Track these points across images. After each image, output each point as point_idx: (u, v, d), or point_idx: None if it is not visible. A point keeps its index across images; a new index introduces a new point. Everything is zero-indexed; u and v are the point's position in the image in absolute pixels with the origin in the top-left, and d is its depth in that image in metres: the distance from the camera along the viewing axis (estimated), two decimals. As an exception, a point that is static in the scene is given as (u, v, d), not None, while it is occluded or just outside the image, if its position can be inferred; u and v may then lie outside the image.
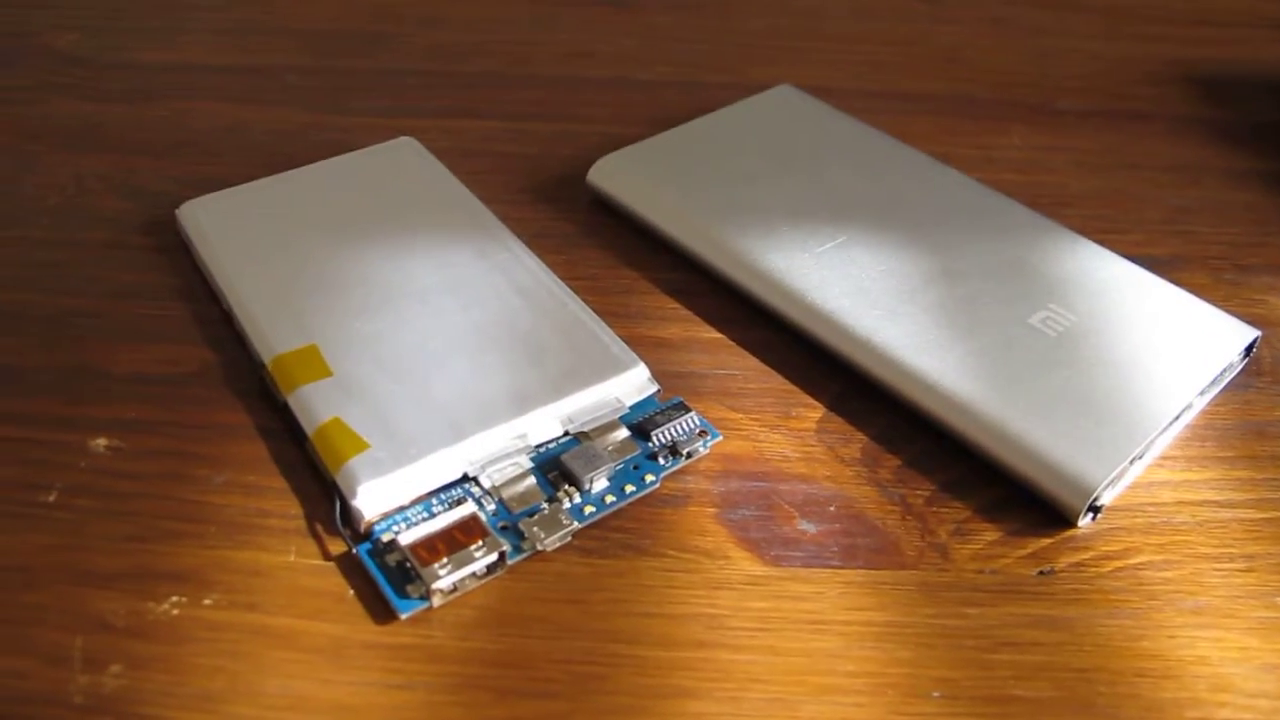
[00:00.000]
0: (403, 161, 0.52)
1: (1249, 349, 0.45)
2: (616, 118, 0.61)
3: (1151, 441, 0.40)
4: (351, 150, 0.53)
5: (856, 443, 0.41)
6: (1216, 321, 0.44)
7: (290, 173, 0.50)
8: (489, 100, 0.62)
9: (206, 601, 0.35)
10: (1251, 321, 0.46)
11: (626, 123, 0.60)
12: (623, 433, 0.40)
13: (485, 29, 0.69)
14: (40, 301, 0.46)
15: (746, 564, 0.37)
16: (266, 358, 0.41)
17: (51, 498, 0.38)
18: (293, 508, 0.38)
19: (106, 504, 0.37)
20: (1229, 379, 0.45)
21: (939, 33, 0.72)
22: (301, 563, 0.36)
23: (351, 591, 0.35)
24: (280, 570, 0.36)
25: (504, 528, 0.37)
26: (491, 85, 0.63)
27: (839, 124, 0.56)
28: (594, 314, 0.43)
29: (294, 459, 0.39)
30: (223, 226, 0.47)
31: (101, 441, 0.40)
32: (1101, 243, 0.48)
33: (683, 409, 0.41)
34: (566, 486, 0.38)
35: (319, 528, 0.37)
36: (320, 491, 0.38)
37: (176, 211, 0.48)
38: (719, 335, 0.46)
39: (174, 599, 0.35)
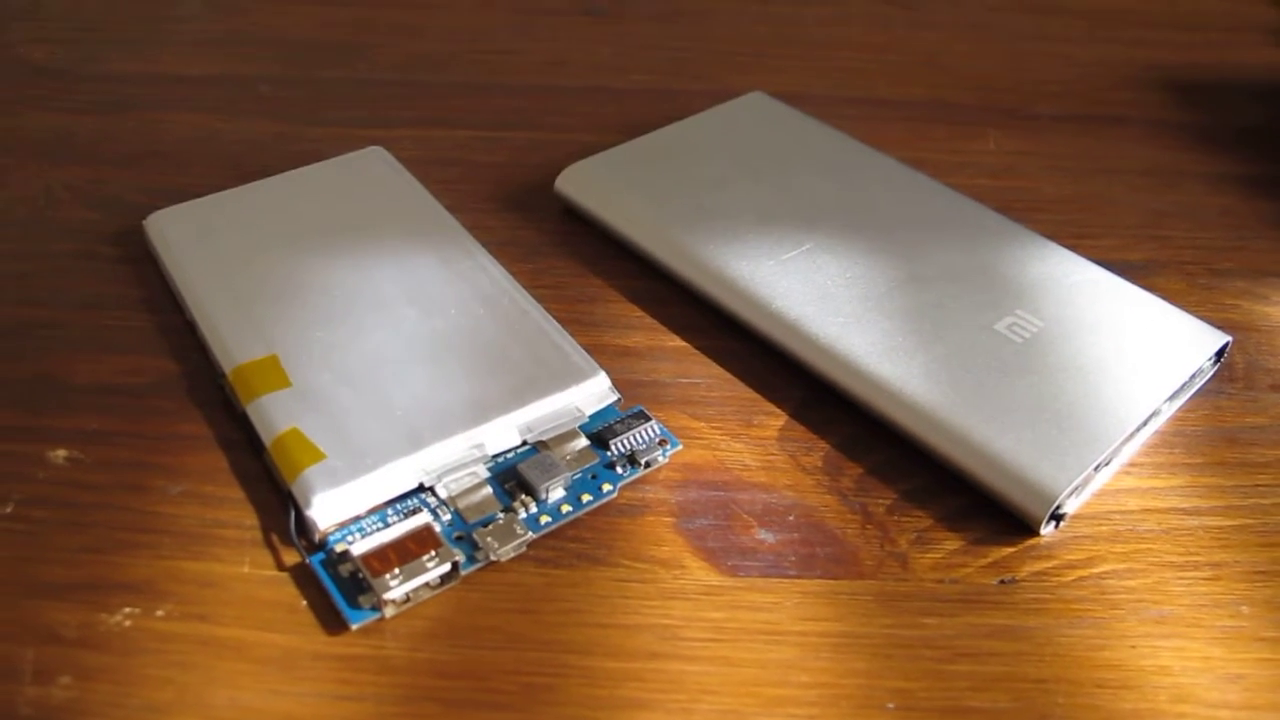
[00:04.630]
0: (371, 171, 0.51)
1: (1220, 354, 0.44)
2: (590, 126, 0.60)
3: (1117, 448, 0.39)
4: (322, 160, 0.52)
5: (819, 451, 0.41)
6: (1187, 326, 0.44)
7: (258, 183, 0.50)
8: (463, 110, 0.61)
9: (159, 612, 0.34)
10: (1225, 327, 0.45)
11: (600, 131, 0.60)
12: (581, 442, 0.39)
13: (462, 39, 0.69)
14: (4, 313, 0.45)
15: (703, 574, 0.36)
16: (227, 367, 0.41)
17: (8, 509, 0.37)
18: (249, 518, 0.37)
19: (63, 515, 0.37)
20: (1200, 384, 0.45)
21: (917, 39, 0.72)
22: (255, 573, 0.36)
23: (304, 602, 0.35)
24: (234, 581, 0.35)
25: (459, 538, 0.36)
26: (466, 95, 0.63)
27: (810, 130, 0.55)
28: (556, 322, 0.43)
29: (252, 470, 0.39)
30: (188, 237, 0.46)
31: (61, 453, 0.39)
32: (1073, 248, 0.48)
33: (643, 418, 0.40)
34: (523, 496, 0.37)
35: (274, 538, 0.37)
36: (277, 502, 0.38)
37: (143, 222, 0.48)
38: (683, 343, 0.46)
39: (127, 610, 0.34)
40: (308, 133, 0.58)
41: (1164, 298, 0.45)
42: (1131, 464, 0.41)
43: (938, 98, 0.65)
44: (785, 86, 0.65)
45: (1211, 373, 0.45)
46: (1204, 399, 0.44)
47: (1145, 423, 0.41)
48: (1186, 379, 0.42)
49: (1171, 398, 0.42)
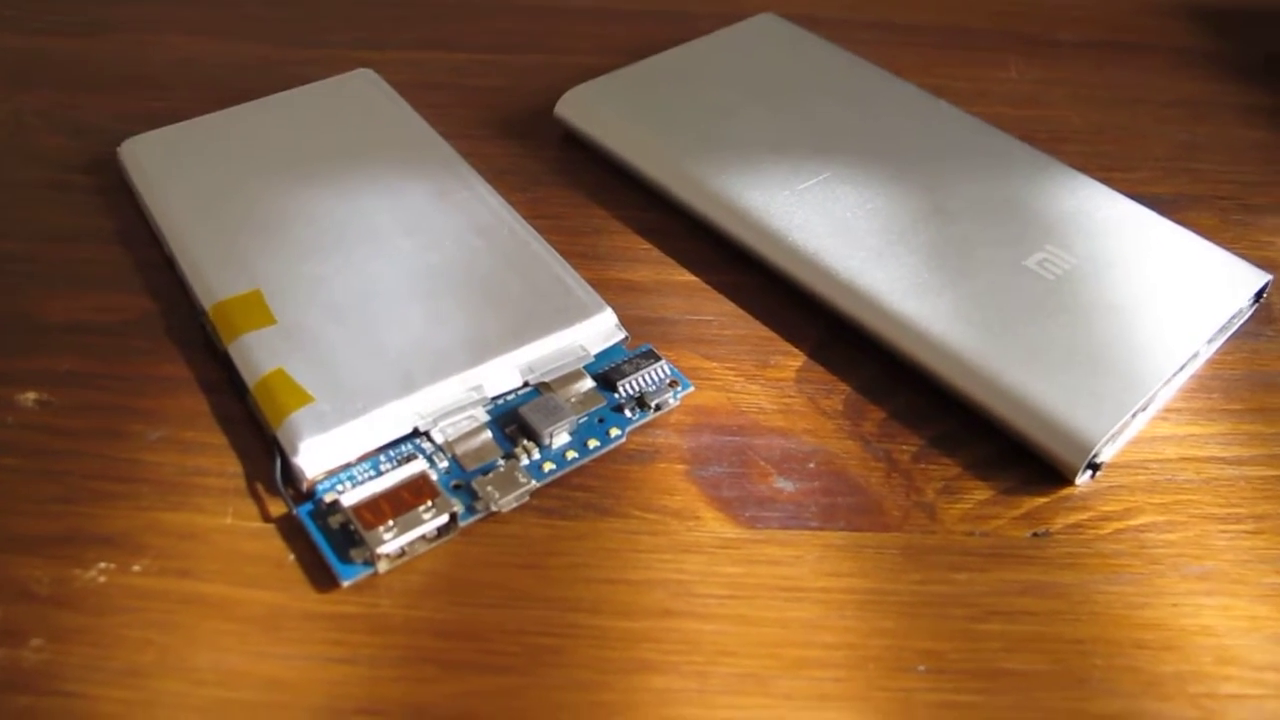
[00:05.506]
0: (360, 95, 0.49)
1: (1259, 294, 0.42)
2: (592, 49, 0.57)
3: (1155, 393, 0.37)
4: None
5: (839, 394, 0.39)
6: (1225, 265, 0.42)
7: (239, 107, 0.47)
8: (458, 32, 0.58)
9: (136, 568, 0.32)
10: (1261, 265, 0.43)
11: (603, 54, 0.57)
12: (587, 383, 0.37)
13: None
14: (-29, 245, 0.43)
15: (718, 525, 0.34)
16: (207, 304, 0.38)
17: (-26, 457, 0.35)
18: (232, 466, 0.35)
19: (34, 463, 0.35)
20: (1237, 326, 0.42)
21: (934, -39, 0.69)
22: (239, 525, 0.33)
23: (292, 556, 0.33)
24: (216, 533, 0.33)
25: (456, 486, 0.34)
26: (462, 16, 0.60)
27: (825, 54, 0.52)
28: (559, 256, 0.40)
29: (236, 414, 0.37)
30: (166, 165, 0.44)
31: (31, 396, 0.37)
32: (1103, 181, 0.46)
33: (652, 357, 0.38)
34: (525, 442, 0.35)
35: (259, 487, 0.35)
36: (262, 448, 0.36)
37: (118, 149, 0.45)
38: (693, 278, 0.43)
39: (102, 565, 0.32)
40: (296, 55, 0.55)
41: (1200, 234, 0.43)
42: (1168, 410, 0.39)
43: (955, 23, 0.62)
44: (795, 9, 0.62)
45: (1249, 314, 0.43)
46: (1241, 341, 0.42)
47: (1183, 366, 0.38)
48: (1226, 320, 0.40)
49: (1210, 340, 0.40)
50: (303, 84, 0.49)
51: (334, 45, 0.56)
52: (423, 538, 0.33)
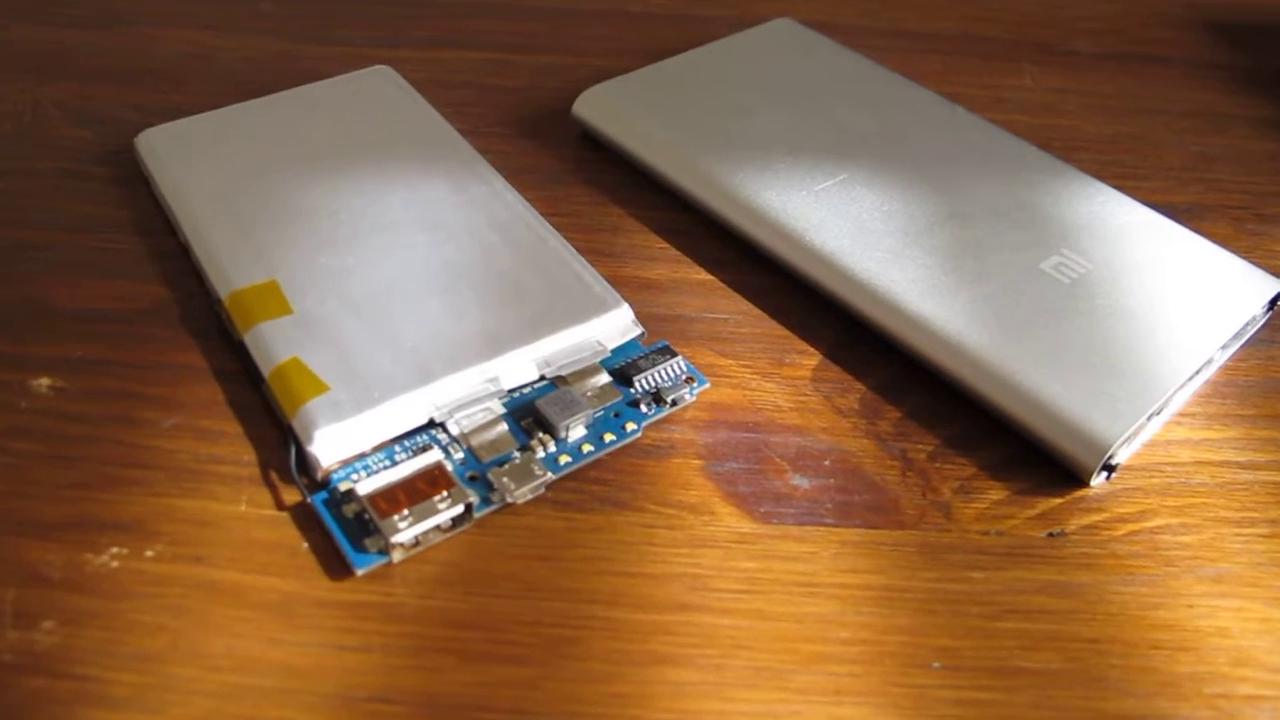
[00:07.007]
0: (377, 91, 0.49)
1: (1273, 302, 0.42)
2: (608, 51, 0.58)
3: (1170, 397, 0.37)
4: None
5: (855, 393, 0.39)
6: (1240, 272, 0.42)
7: (256, 101, 0.47)
8: (475, 31, 0.58)
9: (149, 553, 0.32)
10: (1275, 273, 0.43)
11: (619, 55, 0.57)
12: (603, 378, 0.37)
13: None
14: (-12, 233, 0.43)
15: (734, 520, 0.34)
16: (223, 293, 0.38)
17: (-11, 440, 0.35)
18: (246, 454, 0.35)
19: (47, 448, 0.35)
20: (1251, 334, 0.42)
21: (948, -30, 0.69)
22: (253, 513, 0.33)
23: (306, 544, 0.33)
24: (230, 520, 0.33)
25: (472, 478, 0.34)
26: (479, 16, 0.60)
27: (841, 59, 0.53)
28: (576, 252, 0.40)
29: (250, 402, 0.37)
30: (183, 156, 0.44)
31: (45, 381, 0.37)
32: (1118, 188, 0.45)
33: (669, 354, 0.38)
34: (541, 434, 0.35)
35: (274, 475, 0.34)
36: (277, 437, 0.36)
37: (135, 140, 0.45)
38: (710, 277, 0.43)
39: (115, 550, 0.32)
40: (311, 51, 0.55)
41: (1215, 242, 0.43)
42: (1182, 414, 0.39)
43: (971, 31, 0.62)
44: (810, 15, 0.62)
45: (1263, 321, 0.43)
46: (1255, 349, 0.42)
47: (1198, 371, 0.38)
48: (1240, 327, 0.40)
49: (1224, 346, 0.40)
50: (318, 80, 0.49)
51: (348, 43, 0.56)
52: (437, 528, 0.32)
